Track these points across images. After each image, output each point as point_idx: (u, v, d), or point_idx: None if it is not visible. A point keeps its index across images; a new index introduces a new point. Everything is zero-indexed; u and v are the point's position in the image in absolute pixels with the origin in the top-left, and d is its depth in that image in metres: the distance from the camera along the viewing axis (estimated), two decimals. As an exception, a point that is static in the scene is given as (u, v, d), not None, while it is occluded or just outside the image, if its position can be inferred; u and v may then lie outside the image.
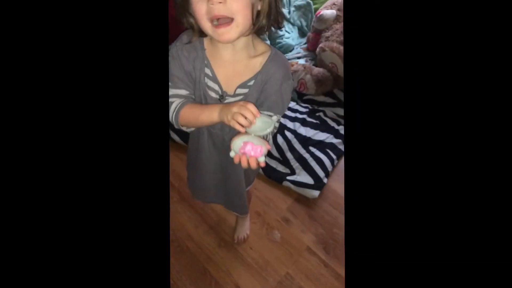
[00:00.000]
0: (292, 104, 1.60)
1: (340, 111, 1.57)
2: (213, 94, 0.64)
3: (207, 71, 0.63)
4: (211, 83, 0.64)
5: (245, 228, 1.16)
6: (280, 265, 1.11)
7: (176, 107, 0.61)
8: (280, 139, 1.44)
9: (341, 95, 1.64)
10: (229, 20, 0.52)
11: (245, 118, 0.51)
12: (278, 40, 1.89)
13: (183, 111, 0.60)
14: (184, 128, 0.64)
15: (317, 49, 1.71)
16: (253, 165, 0.52)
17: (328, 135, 1.44)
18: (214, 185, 0.88)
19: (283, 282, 1.08)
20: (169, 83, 0.61)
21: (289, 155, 1.39)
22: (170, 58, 0.61)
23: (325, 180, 1.30)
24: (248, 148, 0.50)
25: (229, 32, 0.53)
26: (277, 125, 0.60)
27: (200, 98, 0.65)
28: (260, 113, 0.52)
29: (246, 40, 0.60)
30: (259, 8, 0.56)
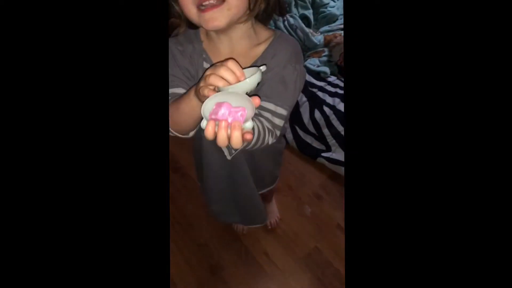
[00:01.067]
0: (333, 79, 1.53)
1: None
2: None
3: (206, 65, 0.55)
4: None
5: (275, 213, 1.16)
6: (310, 239, 1.13)
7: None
8: (317, 114, 1.40)
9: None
10: (219, 2, 0.44)
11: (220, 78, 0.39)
12: (321, 9, 1.78)
13: (170, 110, 0.49)
14: (179, 135, 0.53)
15: (365, 20, 1.60)
16: (235, 138, 0.34)
17: (368, 113, 1.38)
18: (226, 201, 0.82)
19: (311, 254, 1.10)
20: (172, 88, 0.54)
21: (325, 131, 1.36)
22: (171, 58, 0.54)
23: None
24: (223, 111, 0.33)
25: (218, 16, 0.45)
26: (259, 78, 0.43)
27: None
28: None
29: (245, 28, 0.52)
30: None
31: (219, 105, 0.35)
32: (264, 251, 1.12)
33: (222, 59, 0.48)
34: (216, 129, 0.35)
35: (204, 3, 0.44)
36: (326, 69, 1.55)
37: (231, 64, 0.39)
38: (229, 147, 0.49)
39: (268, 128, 0.51)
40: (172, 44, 0.55)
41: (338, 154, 1.28)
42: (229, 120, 0.33)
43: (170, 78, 0.53)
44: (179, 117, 0.49)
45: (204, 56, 0.55)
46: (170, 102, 0.51)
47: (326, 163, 1.27)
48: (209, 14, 0.45)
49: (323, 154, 1.29)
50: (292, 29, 1.68)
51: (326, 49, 1.63)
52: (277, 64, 0.52)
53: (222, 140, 0.35)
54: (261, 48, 0.54)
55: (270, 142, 0.53)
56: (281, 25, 1.70)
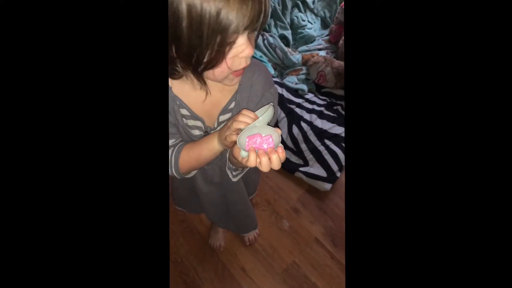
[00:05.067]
0: (310, 96, 1.58)
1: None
2: (196, 132, 0.58)
3: (183, 111, 0.55)
4: (191, 122, 0.57)
5: (254, 231, 1.16)
6: (287, 253, 1.12)
7: (172, 156, 0.55)
8: (295, 129, 1.44)
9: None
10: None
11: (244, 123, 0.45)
12: (299, 30, 1.86)
13: (182, 158, 0.55)
14: (187, 176, 0.59)
15: (340, 42, 1.68)
16: (275, 160, 0.41)
17: (344, 129, 1.42)
18: (222, 216, 0.87)
19: (289, 269, 1.09)
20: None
21: (303, 146, 1.39)
22: None
23: (338, 174, 1.29)
24: (258, 140, 0.41)
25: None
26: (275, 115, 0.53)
27: (185, 141, 0.59)
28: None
29: None
30: None
31: (251, 137, 0.41)
32: (241, 267, 1.10)
33: (196, 98, 0.54)
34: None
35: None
36: (304, 87, 1.60)
37: (245, 111, 0.47)
38: (231, 170, 0.59)
39: None
40: None
41: (315, 168, 1.31)
42: (265, 146, 0.40)
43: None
44: (199, 163, 0.57)
45: (178, 102, 0.54)
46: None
47: (303, 177, 1.29)
48: (239, 77, 0.48)
49: (300, 169, 1.31)
50: (271, 48, 1.73)
51: (304, 68, 1.69)
52: (256, 94, 0.56)
53: (265, 165, 0.42)
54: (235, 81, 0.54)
55: None
56: (261, 44, 1.75)
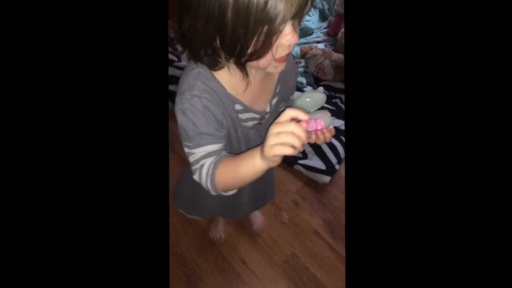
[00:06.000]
0: (309, 89, 1.58)
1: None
2: (249, 123, 0.57)
3: (238, 107, 0.54)
4: (245, 115, 0.56)
5: (260, 217, 1.17)
6: (287, 245, 1.13)
7: (208, 171, 0.50)
8: (294, 122, 1.44)
9: (359, 83, 1.62)
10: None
11: (295, 136, 0.42)
12: (298, 23, 1.85)
13: (218, 173, 0.49)
14: (224, 193, 0.53)
15: (339, 34, 1.67)
16: (328, 137, 0.49)
17: (343, 122, 1.43)
18: (248, 198, 0.80)
19: (288, 261, 1.10)
20: (190, 143, 0.50)
21: (302, 139, 1.39)
22: (190, 114, 0.48)
23: (337, 167, 1.30)
24: (312, 124, 0.48)
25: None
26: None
27: (231, 136, 0.56)
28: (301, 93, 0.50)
29: None
30: None
31: (308, 122, 0.49)
32: (242, 259, 1.11)
33: (249, 92, 0.52)
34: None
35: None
36: (303, 80, 1.60)
37: (295, 129, 0.42)
38: None
39: None
40: (206, 101, 0.48)
41: (314, 161, 1.31)
42: (319, 128, 0.49)
43: (201, 137, 0.49)
44: (237, 182, 0.50)
45: (232, 98, 0.51)
46: (201, 162, 0.50)
47: (302, 170, 1.30)
48: (283, 63, 0.47)
49: (299, 162, 1.31)
50: (269, 40, 1.72)
51: (302, 60, 1.69)
52: (290, 73, 0.59)
53: (322, 141, 0.50)
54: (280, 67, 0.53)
55: None
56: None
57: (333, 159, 1.31)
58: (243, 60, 0.43)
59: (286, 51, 0.45)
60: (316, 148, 1.35)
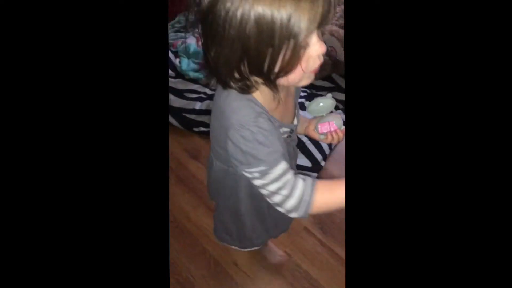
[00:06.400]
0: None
1: (338, 96, 1.57)
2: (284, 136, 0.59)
3: (284, 130, 0.57)
4: (281, 131, 0.57)
5: (277, 250, 1.11)
6: (278, 244, 1.13)
7: (303, 192, 0.48)
8: (278, 122, 1.45)
9: (339, 80, 1.65)
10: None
11: None
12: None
13: (318, 198, 0.48)
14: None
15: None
16: (340, 135, 0.62)
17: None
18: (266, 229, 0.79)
19: (281, 259, 1.10)
20: (263, 167, 0.47)
21: (287, 138, 1.40)
22: (260, 137, 0.47)
23: (322, 163, 1.31)
24: (326, 127, 0.62)
25: None
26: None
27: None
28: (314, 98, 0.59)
29: None
30: None
31: (322, 125, 0.64)
32: (234, 262, 1.10)
33: (278, 110, 0.54)
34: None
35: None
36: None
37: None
38: None
39: None
40: (268, 122, 0.48)
41: (299, 159, 1.32)
42: (332, 129, 0.63)
43: (272, 156, 0.48)
44: (334, 205, 0.50)
45: (272, 119, 0.50)
46: (283, 178, 0.48)
47: (289, 168, 1.31)
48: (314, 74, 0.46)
49: (286, 160, 1.32)
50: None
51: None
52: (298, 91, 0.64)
53: (336, 140, 0.64)
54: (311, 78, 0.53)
55: None
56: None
57: (318, 156, 1.32)
58: (272, 77, 0.43)
59: (317, 62, 0.44)
60: (300, 145, 1.36)
